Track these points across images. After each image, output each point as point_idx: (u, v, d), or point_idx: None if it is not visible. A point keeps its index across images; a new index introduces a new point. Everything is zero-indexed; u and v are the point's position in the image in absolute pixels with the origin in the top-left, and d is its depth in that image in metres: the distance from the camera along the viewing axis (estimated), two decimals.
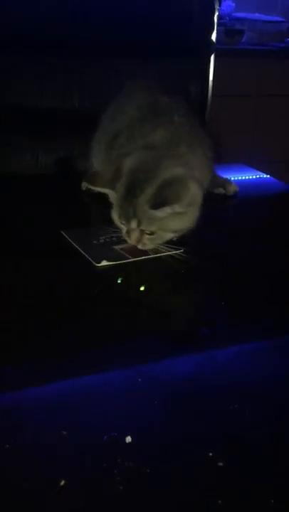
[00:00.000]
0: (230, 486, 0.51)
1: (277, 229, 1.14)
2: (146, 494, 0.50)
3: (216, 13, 1.63)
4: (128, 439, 0.55)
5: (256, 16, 2.84)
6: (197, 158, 0.99)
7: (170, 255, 0.94)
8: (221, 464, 0.52)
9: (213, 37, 1.63)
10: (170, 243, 0.95)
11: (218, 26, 1.65)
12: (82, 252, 0.95)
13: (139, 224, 0.90)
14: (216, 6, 1.62)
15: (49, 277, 0.88)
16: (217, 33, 1.65)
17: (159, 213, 0.89)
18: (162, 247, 0.94)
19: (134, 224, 0.90)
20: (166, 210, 0.88)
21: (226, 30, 2.57)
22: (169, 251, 0.94)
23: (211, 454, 0.53)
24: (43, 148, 1.46)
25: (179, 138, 0.98)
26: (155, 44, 1.50)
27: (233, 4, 2.81)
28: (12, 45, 1.39)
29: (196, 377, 0.67)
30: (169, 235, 0.93)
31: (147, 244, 0.93)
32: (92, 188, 1.00)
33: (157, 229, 0.91)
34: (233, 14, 2.78)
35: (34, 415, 0.59)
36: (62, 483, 0.50)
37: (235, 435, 0.57)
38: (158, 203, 0.88)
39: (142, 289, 0.87)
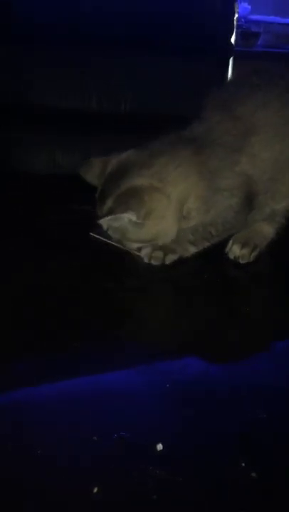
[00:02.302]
0: (263, 496, 0.51)
1: None
2: (180, 503, 0.49)
3: (236, 16, 1.63)
4: (159, 446, 0.54)
5: (272, 18, 2.83)
6: (180, 174, 0.92)
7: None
8: (254, 474, 0.52)
9: (232, 39, 1.63)
10: None
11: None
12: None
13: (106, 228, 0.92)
14: (236, 9, 1.62)
15: (75, 276, 0.89)
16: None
17: (108, 222, 0.90)
18: None
19: (104, 227, 0.93)
20: (114, 221, 0.89)
21: (241, 33, 2.56)
22: None
23: (243, 465, 0.53)
24: (60, 148, 1.46)
25: (164, 151, 0.94)
26: (178, 45, 1.49)
27: (249, 7, 2.80)
28: (33, 45, 1.39)
29: (208, 379, 0.67)
30: (134, 244, 0.95)
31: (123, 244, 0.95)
32: (82, 177, 0.98)
33: (120, 236, 0.93)
34: (249, 17, 2.77)
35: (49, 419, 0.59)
36: (96, 490, 0.50)
37: (261, 443, 0.57)
38: (106, 213, 0.88)
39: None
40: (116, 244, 0.96)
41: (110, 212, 0.88)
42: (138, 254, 0.95)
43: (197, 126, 0.97)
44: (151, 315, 0.82)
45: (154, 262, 0.93)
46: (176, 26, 1.51)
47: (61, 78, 1.44)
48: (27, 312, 0.79)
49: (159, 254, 0.93)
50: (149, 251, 0.94)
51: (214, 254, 0.98)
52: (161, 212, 0.90)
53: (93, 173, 0.96)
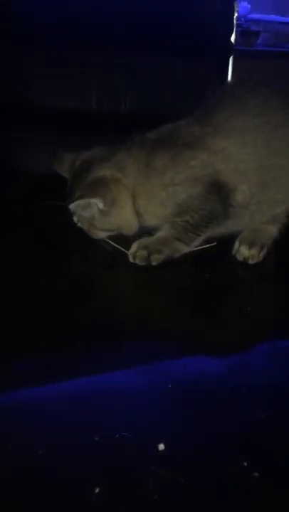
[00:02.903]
0: (266, 497, 0.51)
1: None
2: (181, 504, 0.49)
3: (236, 15, 1.63)
4: (161, 446, 0.54)
5: (272, 17, 2.83)
6: (132, 170, 0.96)
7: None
8: (256, 474, 0.52)
9: (232, 39, 1.63)
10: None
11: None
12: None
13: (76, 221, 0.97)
14: (236, 8, 1.62)
15: (75, 276, 0.90)
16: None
17: (76, 207, 0.94)
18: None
19: (74, 219, 0.97)
20: (84, 206, 0.94)
21: (241, 32, 2.56)
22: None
23: (245, 464, 0.53)
24: (60, 148, 1.45)
25: (123, 148, 0.99)
26: (177, 45, 1.49)
27: (249, 6, 2.80)
28: (33, 45, 1.39)
29: (209, 379, 0.67)
30: (101, 233, 0.99)
31: (93, 235, 0.99)
32: (54, 169, 1.03)
33: (88, 226, 0.97)
34: (249, 15, 2.77)
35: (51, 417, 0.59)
36: (97, 490, 0.50)
37: (262, 442, 0.57)
38: (76, 196, 0.93)
39: None
40: (122, 249, 0.97)
41: (79, 197, 0.92)
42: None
43: (163, 129, 1.00)
44: (151, 315, 0.82)
45: (138, 262, 0.93)
46: (176, 26, 1.51)
47: (61, 78, 1.45)
48: (27, 312, 0.80)
49: (144, 253, 0.93)
50: (134, 249, 0.94)
51: (215, 254, 0.98)
52: (124, 201, 0.96)
53: (63, 166, 1.02)
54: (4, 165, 1.38)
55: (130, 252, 0.95)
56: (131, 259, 0.94)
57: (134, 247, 0.95)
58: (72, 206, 0.93)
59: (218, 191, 0.93)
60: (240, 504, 0.50)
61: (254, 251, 0.96)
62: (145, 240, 0.96)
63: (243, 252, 0.97)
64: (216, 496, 0.50)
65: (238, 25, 2.40)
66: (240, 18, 2.64)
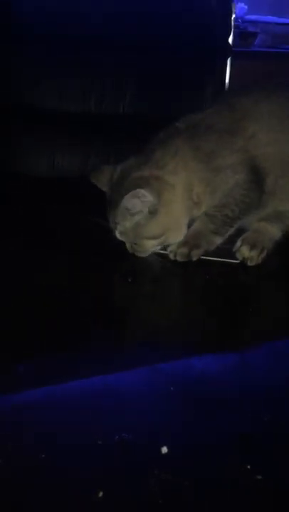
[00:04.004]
0: (268, 499, 0.51)
1: None
2: (185, 508, 0.49)
3: (233, 17, 1.63)
4: (164, 449, 0.54)
5: (269, 18, 2.83)
6: (178, 162, 0.95)
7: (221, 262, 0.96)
8: (259, 477, 0.52)
9: (230, 40, 1.63)
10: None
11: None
12: None
13: (120, 235, 0.93)
14: (234, 10, 1.63)
15: (75, 276, 0.90)
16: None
17: (127, 205, 0.90)
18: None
19: (117, 234, 0.94)
20: (131, 201, 0.89)
21: (239, 33, 2.56)
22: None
23: (249, 467, 0.52)
24: (60, 150, 1.45)
25: (159, 145, 0.97)
26: (175, 47, 1.49)
27: (246, 7, 2.80)
28: (32, 46, 1.38)
29: (212, 379, 0.67)
30: (150, 243, 0.94)
31: (140, 252, 0.95)
32: (94, 183, 1.01)
33: (134, 237, 0.93)
34: (246, 17, 2.77)
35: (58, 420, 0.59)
36: (101, 494, 0.50)
37: (265, 444, 0.57)
38: (123, 192, 0.90)
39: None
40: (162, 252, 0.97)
41: (127, 190, 0.90)
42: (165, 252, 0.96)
43: (191, 117, 1.01)
44: (152, 315, 0.82)
45: (179, 259, 0.94)
46: (174, 27, 1.51)
47: (60, 79, 1.44)
48: (27, 312, 0.79)
49: (184, 250, 0.94)
50: (174, 247, 0.95)
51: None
52: (169, 198, 0.93)
53: (103, 180, 0.99)
54: (4, 167, 1.37)
55: (170, 250, 0.95)
56: (172, 257, 0.94)
57: (173, 245, 0.95)
58: (124, 202, 0.89)
59: (257, 179, 0.95)
60: (243, 507, 0.50)
61: (254, 253, 0.97)
62: (185, 237, 0.96)
63: (243, 252, 0.97)
64: (220, 499, 0.50)
65: (235, 27, 2.40)
66: (237, 19, 2.64)
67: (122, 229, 0.93)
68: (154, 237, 0.94)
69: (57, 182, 1.36)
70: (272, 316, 0.84)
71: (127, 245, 0.95)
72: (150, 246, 0.95)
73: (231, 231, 0.97)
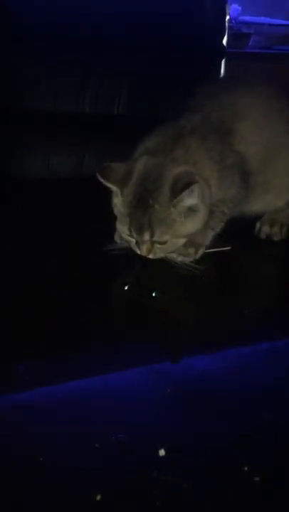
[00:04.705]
0: (266, 501, 0.51)
1: None
2: (184, 510, 0.49)
3: (227, 18, 1.64)
4: (162, 451, 0.54)
5: (262, 19, 2.84)
6: (202, 162, 0.96)
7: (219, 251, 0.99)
8: (257, 479, 0.52)
9: (224, 41, 1.64)
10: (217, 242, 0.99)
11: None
12: None
13: (152, 235, 0.90)
14: (228, 11, 1.63)
15: (74, 277, 0.90)
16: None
17: (184, 202, 0.88)
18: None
19: (147, 236, 0.90)
20: (187, 197, 0.88)
21: (232, 34, 2.56)
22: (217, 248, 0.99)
23: (246, 469, 0.53)
24: (55, 151, 1.45)
25: (175, 142, 0.96)
26: (169, 48, 1.50)
27: (240, 8, 2.80)
28: (27, 47, 1.38)
29: (216, 376, 0.67)
30: (181, 241, 0.94)
31: (158, 253, 0.93)
32: (102, 181, 0.94)
33: (170, 237, 0.91)
34: (240, 18, 2.78)
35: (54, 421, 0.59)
36: (99, 497, 0.50)
37: (269, 446, 0.57)
38: (178, 188, 0.87)
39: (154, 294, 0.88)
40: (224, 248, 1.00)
41: (180, 189, 0.87)
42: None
43: (192, 117, 1.01)
44: (151, 315, 0.82)
45: (189, 261, 0.95)
46: (168, 29, 1.51)
47: (55, 80, 1.44)
48: (26, 313, 0.79)
49: (192, 251, 0.96)
50: (183, 251, 0.95)
51: (214, 256, 0.98)
52: (206, 194, 0.94)
53: (115, 177, 0.93)
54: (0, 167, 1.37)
55: (180, 252, 0.95)
56: (180, 260, 0.94)
57: (181, 248, 0.95)
58: (181, 200, 0.87)
59: (247, 177, 1.00)
60: (241, 508, 0.50)
61: (276, 229, 1.06)
62: (191, 241, 0.96)
63: (265, 229, 1.06)
64: (218, 500, 0.50)
65: (229, 28, 2.41)
66: (231, 20, 2.64)
67: (163, 228, 0.90)
68: (188, 235, 0.94)
69: (52, 183, 1.36)
70: (270, 316, 0.84)
71: (145, 246, 0.91)
72: (180, 244, 0.94)
73: (222, 226, 1.00)
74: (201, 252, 0.97)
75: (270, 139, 1.03)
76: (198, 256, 0.96)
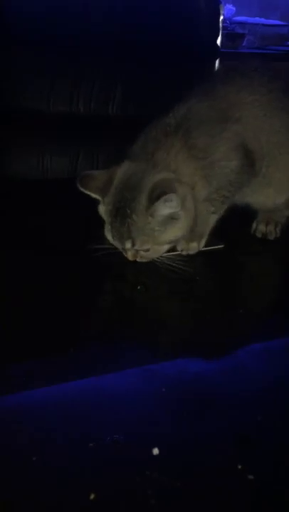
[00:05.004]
0: (261, 499, 0.51)
1: None
2: (178, 509, 0.49)
3: (221, 18, 1.64)
4: (155, 451, 0.54)
5: (256, 19, 2.85)
6: (184, 163, 0.94)
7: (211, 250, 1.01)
8: (251, 477, 0.52)
9: (218, 42, 1.64)
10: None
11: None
12: None
13: (133, 244, 0.89)
14: (222, 11, 1.63)
15: (66, 277, 0.89)
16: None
17: (161, 212, 0.87)
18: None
19: (128, 244, 0.89)
20: (164, 207, 0.86)
21: (226, 34, 2.57)
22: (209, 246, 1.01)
23: (240, 467, 0.53)
24: (49, 152, 1.45)
25: (156, 145, 0.94)
26: (165, 47, 1.50)
27: (234, 8, 2.81)
28: (21, 49, 1.38)
29: (211, 377, 0.68)
30: (164, 248, 0.93)
31: (145, 258, 0.93)
32: (82, 189, 0.93)
33: (152, 244, 0.90)
34: (234, 18, 2.79)
35: (50, 423, 0.59)
36: (93, 496, 0.50)
37: (262, 445, 0.57)
38: (154, 197, 0.85)
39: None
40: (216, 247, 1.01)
41: (156, 197, 0.85)
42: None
43: (178, 110, 0.99)
44: (147, 318, 0.82)
45: (192, 253, 0.98)
46: (163, 29, 1.52)
47: (49, 81, 1.44)
48: (18, 315, 0.79)
49: (195, 244, 0.98)
50: (184, 245, 0.98)
51: (211, 257, 0.99)
52: (189, 200, 0.92)
53: (95, 185, 0.92)
54: None
55: (183, 248, 0.98)
56: (185, 253, 0.98)
57: (181, 242, 0.97)
58: (156, 208, 0.86)
59: (249, 162, 0.99)
60: (235, 507, 0.50)
61: (271, 227, 1.08)
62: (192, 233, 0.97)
63: (261, 228, 1.08)
64: (212, 499, 0.50)
65: (223, 28, 2.42)
66: (225, 20, 2.65)
67: (143, 237, 0.89)
68: (170, 241, 0.93)
69: (46, 183, 1.36)
70: (265, 317, 0.85)
71: (130, 253, 0.91)
72: (163, 250, 0.93)
73: (224, 208, 1.01)
74: (203, 243, 0.99)
75: (271, 131, 1.02)
76: (201, 247, 0.99)
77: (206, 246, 1.00)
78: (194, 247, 0.99)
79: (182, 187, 0.90)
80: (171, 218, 0.89)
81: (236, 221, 1.07)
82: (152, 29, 1.49)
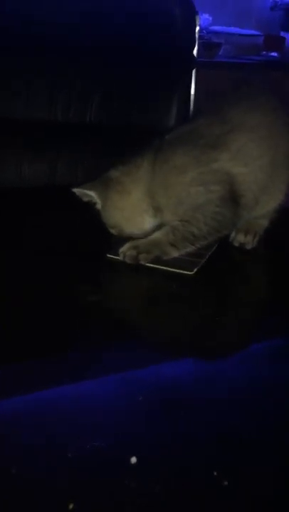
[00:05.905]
0: (236, 505, 0.52)
1: None
2: None
3: (197, 28, 1.66)
4: (133, 459, 0.55)
5: (232, 29, 2.89)
6: (145, 172, 0.99)
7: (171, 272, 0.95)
8: (226, 483, 0.53)
9: (194, 52, 1.66)
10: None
11: None
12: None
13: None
14: (198, 21, 1.66)
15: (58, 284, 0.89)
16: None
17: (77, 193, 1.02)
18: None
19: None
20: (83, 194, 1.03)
21: (203, 44, 2.60)
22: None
23: (215, 474, 0.54)
24: (28, 160, 1.45)
25: (141, 152, 1.02)
26: (142, 57, 1.51)
27: (210, 18, 2.85)
28: None
29: (188, 383, 0.68)
30: (112, 231, 1.04)
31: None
32: (77, 189, 1.03)
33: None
34: (211, 28, 2.83)
35: (26, 430, 0.59)
36: (71, 506, 0.50)
37: (238, 451, 0.58)
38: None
39: None
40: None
41: (81, 186, 1.02)
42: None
43: (182, 128, 1.04)
44: (118, 323, 0.83)
45: (128, 261, 0.95)
46: (140, 38, 1.53)
47: (27, 88, 1.44)
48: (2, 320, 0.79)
49: (133, 252, 0.95)
50: (125, 249, 0.96)
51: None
52: (119, 204, 1.00)
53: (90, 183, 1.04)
54: None
55: (121, 251, 0.95)
56: (121, 258, 0.95)
57: (125, 246, 0.96)
58: (74, 190, 1.02)
59: (234, 198, 0.96)
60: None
61: (249, 237, 1.07)
62: (137, 241, 0.97)
63: (239, 238, 1.07)
64: (190, 506, 0.51)
65: (200, 37, 2.44)
66: (202, 30, 2.68)
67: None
68: (109, 227, 1.04)
69: (24, 191, 1.36)
70: (244, 323, 0.85)
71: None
72: (114, 232, 1.04)
73: (191, 249, 0.96)
74: (145, 257, 0.94)
75: (271, 156, 1.00)
76: (142, 261, 0.94)
77: (175, 267, 0.94)
78: (132, 255, 0.94)
79: (118, 190, 1.00)
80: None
81: None
82: (128, 39, 1.50)
